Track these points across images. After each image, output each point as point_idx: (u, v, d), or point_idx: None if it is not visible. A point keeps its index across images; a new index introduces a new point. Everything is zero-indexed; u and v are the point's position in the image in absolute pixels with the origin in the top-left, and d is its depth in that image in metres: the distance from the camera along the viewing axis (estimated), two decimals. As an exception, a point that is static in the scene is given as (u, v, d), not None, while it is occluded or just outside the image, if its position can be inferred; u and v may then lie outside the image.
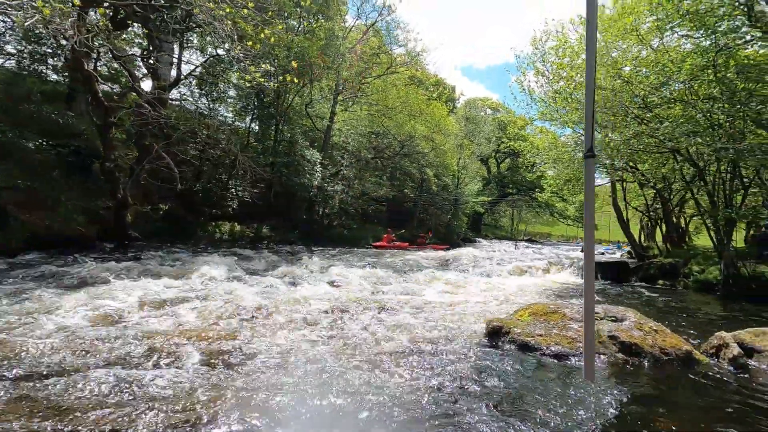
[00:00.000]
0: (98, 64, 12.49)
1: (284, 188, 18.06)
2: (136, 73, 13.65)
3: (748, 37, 8.64)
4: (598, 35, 12.93)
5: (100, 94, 8.11)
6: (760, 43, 9.00)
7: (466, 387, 2.85)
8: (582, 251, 24.51)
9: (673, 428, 2.37)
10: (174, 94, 16.16)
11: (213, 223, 15.97)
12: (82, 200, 10.53)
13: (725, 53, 8.28)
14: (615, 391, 2.86)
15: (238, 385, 2.71)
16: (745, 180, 9.04)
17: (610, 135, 11.26)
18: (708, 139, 8.00)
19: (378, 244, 19.06)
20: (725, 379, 3.31)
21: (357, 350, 3.62)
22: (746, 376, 3.38)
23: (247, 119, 17.65)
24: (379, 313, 5.12)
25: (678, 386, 3.06)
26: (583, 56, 13.20)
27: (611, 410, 2.54)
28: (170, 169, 11.75)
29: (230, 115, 18.13)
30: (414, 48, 21.59)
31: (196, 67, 12.54)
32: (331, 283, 7.24)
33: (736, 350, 3.60)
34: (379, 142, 20.94)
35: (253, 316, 4.58)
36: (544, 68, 16.71)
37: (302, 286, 6.74)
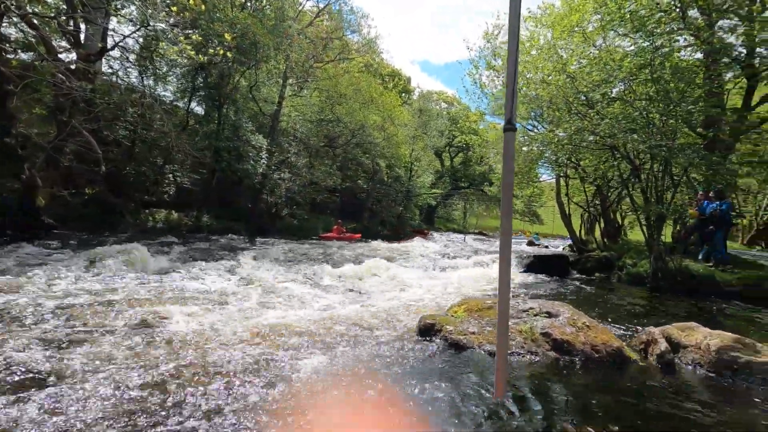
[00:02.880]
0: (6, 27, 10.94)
1: (227, 175, 17.05)
2: (63, 42, 12.19)
3: (682, 40, 9.01)
4: (545, 31, 13.13)
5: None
6: (692, 47, 9.45)
7: (378, 393, 2.53)
8: (528, 245, 25.25)
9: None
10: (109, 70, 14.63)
11: (146, 211, 14.77)
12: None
13: (661, 55, 8.55)
14: (537, 398, 2.66)
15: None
16: (675, 178, 9.47)
17: (555, 131, 11.47)
18: (644, 136, 8.24)
19: (326, 235, 18.57)
20: (651, 377, 3.24)
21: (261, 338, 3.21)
22: (671, 373, 3.34)
23: (188, 100, 16.34)
24: (296, 309, 4.72)
25: (604, 388, 2.92)
26: (533, 52, 13.38)
27: (529, 423, 2.32)
28: (91, 148, 10.60)
29: (169, 94, 16.71)
30: (368, 34, 21.04)
31: (125, 37, 11.29)
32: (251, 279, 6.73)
33: (663, 346, 3.57)
34: (330, 130, 20.28)
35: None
36: (495, 63, 16.88)
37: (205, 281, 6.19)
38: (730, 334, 3.56)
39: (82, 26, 12.65)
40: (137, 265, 6.26)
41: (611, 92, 10.33)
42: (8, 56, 9.06)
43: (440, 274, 9.17)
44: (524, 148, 12.82)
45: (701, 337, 3.61)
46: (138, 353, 2.98)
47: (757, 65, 9.73)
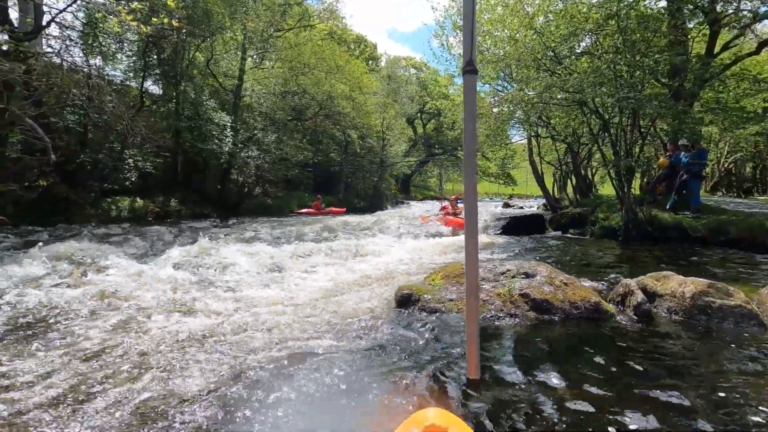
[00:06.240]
0: None
1: (191, 156, 16.32)
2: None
3: (647, -13, 8.85)
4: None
5: None
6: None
7: (354, 372, 2.42)
8: (504, 206, 25.49)
9: (573, 397, 2.14)
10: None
11: (108, 199, 14.06)
12: None
13: (627, 5, 8.38)
14: (516, 365, 2.61)
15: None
16: (643, 131, 9.55)
17: (525, 90, 11.30)
18: (612, 89, 8.18)
19: (304, 210, 18.21)
20: (630, 328, 3.25)
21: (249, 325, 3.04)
22: (649, 323, 3.36)
23: (141, 79, 15.26)
24: (272, 287, 4.55)
25: (585, 345, 2.90)
26: (499, 9, 12.99)
27: (506, 396, 2.26)
28: (38, 137, 9.88)
29: (119, 73, 15.59)
30: (328, -1, 20.04)
31: (60, 11, 10.31)
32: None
33: (640, 297, 3.58)
34: (296, 102, 19.54)
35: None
36: (461, 23, 16.37)
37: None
38: (703, 279, 3.60)
39: (10, 1, 11.47)
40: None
41: (578, 46, 10.18)
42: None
43: (419, 242, 9.10)
44: (495, 109, 12.65)
45: (676, 285, 3.64)
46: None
47: (719, 11, 9.72)
